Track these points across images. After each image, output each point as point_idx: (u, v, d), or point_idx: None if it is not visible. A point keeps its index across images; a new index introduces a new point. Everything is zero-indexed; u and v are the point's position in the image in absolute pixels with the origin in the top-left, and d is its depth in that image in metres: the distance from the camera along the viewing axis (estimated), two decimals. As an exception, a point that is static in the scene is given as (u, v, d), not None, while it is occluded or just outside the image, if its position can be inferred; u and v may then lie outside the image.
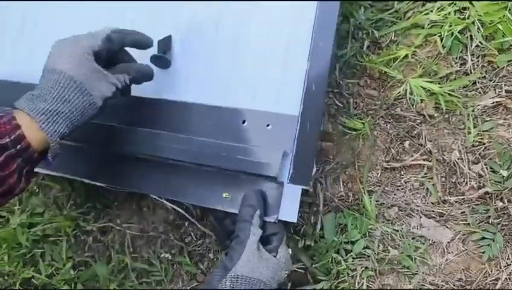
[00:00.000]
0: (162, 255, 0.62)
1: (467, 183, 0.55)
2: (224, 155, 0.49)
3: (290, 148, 0.49)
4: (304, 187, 0.48)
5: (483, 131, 0.55)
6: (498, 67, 0.55)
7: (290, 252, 0.47)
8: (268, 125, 0.50)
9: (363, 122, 0.57)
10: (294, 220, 0.48)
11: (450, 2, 0.56)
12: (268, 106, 0.50)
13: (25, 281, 0.66)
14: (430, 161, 0.56)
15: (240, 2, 0.54)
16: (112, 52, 0.47)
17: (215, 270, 0.45)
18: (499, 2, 0.54)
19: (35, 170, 0.47)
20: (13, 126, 0.41)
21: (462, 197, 0.55)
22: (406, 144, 0.58)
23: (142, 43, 0.49)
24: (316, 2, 0.50)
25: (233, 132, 0.51)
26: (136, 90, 0.56)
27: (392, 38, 0.58)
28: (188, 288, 0.62)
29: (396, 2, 0.58)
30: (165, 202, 0.62)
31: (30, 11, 0.63)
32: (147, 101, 0.55)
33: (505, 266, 0.54)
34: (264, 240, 0.46)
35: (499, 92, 0.55)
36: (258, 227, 0.45)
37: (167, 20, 0.57)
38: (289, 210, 0.48)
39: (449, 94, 0.55)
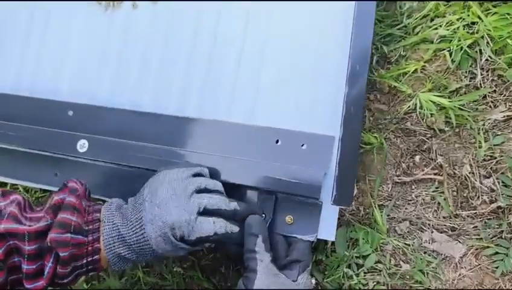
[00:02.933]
0: (174, 269, 0.63)
1: (478, 197, 0.55)
2: (265, 176, 0.49)
3: (325, 168, 0.49)
4: (346, 207, 0.48)
5: (494, 145, 0.55)
6: (508, 81, 0.55)
7: (314, 283, 0.47)
8: (302, 145, 0.50)
9: (375, 137, 0.58)
10: (333, 239, 0.50)
11: (459, 16, 0.57)
12: (303, 126, 0.51)
13: (40, 294, 0.67)
14: (441, 175, 0.56)
15: (268, 22, 0.55)
16: None
17: None
18: (508, 17, 0.54)
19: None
20: (94, 249, 0.44)
21: (474, 211, 0.55)
22: (417, 158, 0.58)
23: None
24: (347, 21, 0.52)
25: (266, 151, 0.51)
26: (166, 109, 0.56)
27: (401, 53, 0.59)
28: (200, 302, 0.62)
29: (405, 17, 0.59)
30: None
31: (37, 25, 0.63)
32: (179, 120, 0.54)
33: (519, 281, 0.53)
34: (287, 266, 0.46)
35: (510, 105, 0.55)
36: (264, 252, 0.45)
37: (188, 34, 0.57)
38: (327, 229, 0.49)
39: (459, 108, 0.56)
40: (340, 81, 0.51)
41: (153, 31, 0.59)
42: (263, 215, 0.49)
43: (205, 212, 0.44)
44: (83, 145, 0.55)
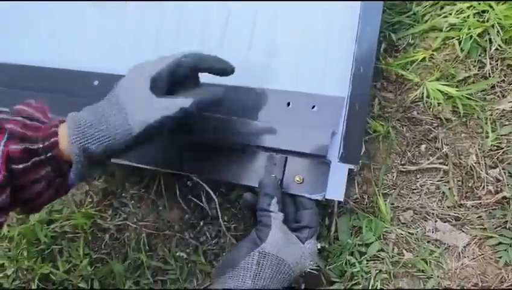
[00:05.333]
0: (177, 254, 0.63)
1: (484, 187, 0.55)
2: (276, 136, 0.50)
3: (336, 129, 0.50)
4: (352, 166, 0.49)
5: (501, 135, 0.55)
6: (517, 71, 0.55)
7: (319, 246, 0.49)
8: (313, 107, 0.51)
9: (382, 125, 0.57)
10: (341, 199, 0.50)
11: (469, 5, 0.56)
12: (313, 88, 0.52)
13: (43, 276, 0.67)
14: (446, 165, 0.56)
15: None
16: (180, 78, 0.45)
17: (243, 243, 0.47)
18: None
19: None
20: (51, 133, 0.41)
21: (479, 201, 0.55)
22: (422, 147, 0.57)
23: (219, 70, 0.47)
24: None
25: (278, 114, 0.52)
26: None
27: (410, 41, 0.58)
28: (202, 288, 0.62)
29: (414, 5, 0.58)
30: (180, 201, 0.63)
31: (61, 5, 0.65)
32: None
33: (522, 272, 0.53)
34: (295, 230, 0.48)
35: (518, 96, 0.55)
36: (278, 212, 0.47)
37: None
38: (336, 189, 0.49)
39: (467, 98, 0.55)
40: (351, 42, 0.51)
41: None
42: (273, 176, 0.50)
43: None
44: None
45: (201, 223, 0.63)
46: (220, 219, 0.62)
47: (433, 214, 0.56)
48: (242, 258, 0.45)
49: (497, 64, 0.55)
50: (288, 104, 0.52)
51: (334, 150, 0.50)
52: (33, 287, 0.67)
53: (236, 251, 0.47)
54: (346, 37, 0.52)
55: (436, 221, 0.56)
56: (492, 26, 0.55)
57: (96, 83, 0.60)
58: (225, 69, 0.48)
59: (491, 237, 0.54)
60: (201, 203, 0.62)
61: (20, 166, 0.39)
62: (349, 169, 0.50)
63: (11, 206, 0.41)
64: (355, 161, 0.50)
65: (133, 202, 0.66)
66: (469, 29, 0.55)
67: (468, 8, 0.56)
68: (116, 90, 0.43)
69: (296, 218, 0.50)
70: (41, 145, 0.40)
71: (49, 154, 0.40)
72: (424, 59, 0.57)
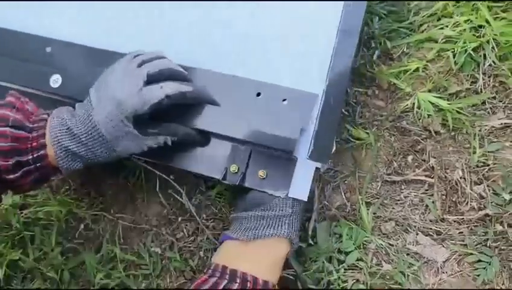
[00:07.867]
0: (152, 249, 0.61)
1: (467, 203, 0.54)
2: (242, 126, 0.48)
3: (305, 126, 0.48)
4: (319, 165, 0.48)
5: (488, 152, 0.54)
6: (509, 88, 0.54)
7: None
8: (284, 100, 0.48)
9: (367, 132, 0.56)
10: (305, 199, 0.48)
11: (466, 18, 0.55)
12: (286, 81, 0.50)
13: (12, 263, 0.65)
14: (432, 178, 0.55)
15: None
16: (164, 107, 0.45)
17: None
18: (516, 22, 0.53)
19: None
20: (40, 145, 0.43)
21: (462, 217, 0.54)
22: (409, 158, 0.57)
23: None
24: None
25: (246, 103, 0.49)
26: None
27: (405, 50, 0.57)
28: (176, 285, 0.61)
29: (412, 14, 0.57)
30: (160, 195, 0.61)
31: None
32: None
33: (499, 291, 0.53)
34: None
35: (509, 113, 0.54)
36: None
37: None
38: (300, 188, 0.48)
39: (457, 111, 0.54)
40: (332, 36, 0.49)
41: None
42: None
43: (153, 80, 0.44)
44: (56, 81, 0.53)
45: (179, 220, 0.62)
46: (196, 216, 0.60)
47: (414, 226, 0.55)
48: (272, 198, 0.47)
49: (489, 80, 0.55)
50: (259, 94, 0.49)
51: (302, 148, 0.48)
52: (0, 273, 0.64)
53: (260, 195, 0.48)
54: (327, 31, 0.50)
55: (417, 234, 0.55)
56: (488, 41, 0.54)
57: (49, 49, 0.56)
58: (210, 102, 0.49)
59: (471, 253, 0.53)
60: (180, 199, 0.61)
61: (11, 176, 0.42)
62: (316, 168, 0.49)
63: None
64: (325, 160, 0.48)
65: (110, 192, 0.64)
66: (464, 42, 0.55)
67: (465, 21, 0.55)
68: (96, 124, 0.43)
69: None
70: (30, 157, 0.43)
71: (38, 164, 0.43)
72: (417, 69, 0.56)
